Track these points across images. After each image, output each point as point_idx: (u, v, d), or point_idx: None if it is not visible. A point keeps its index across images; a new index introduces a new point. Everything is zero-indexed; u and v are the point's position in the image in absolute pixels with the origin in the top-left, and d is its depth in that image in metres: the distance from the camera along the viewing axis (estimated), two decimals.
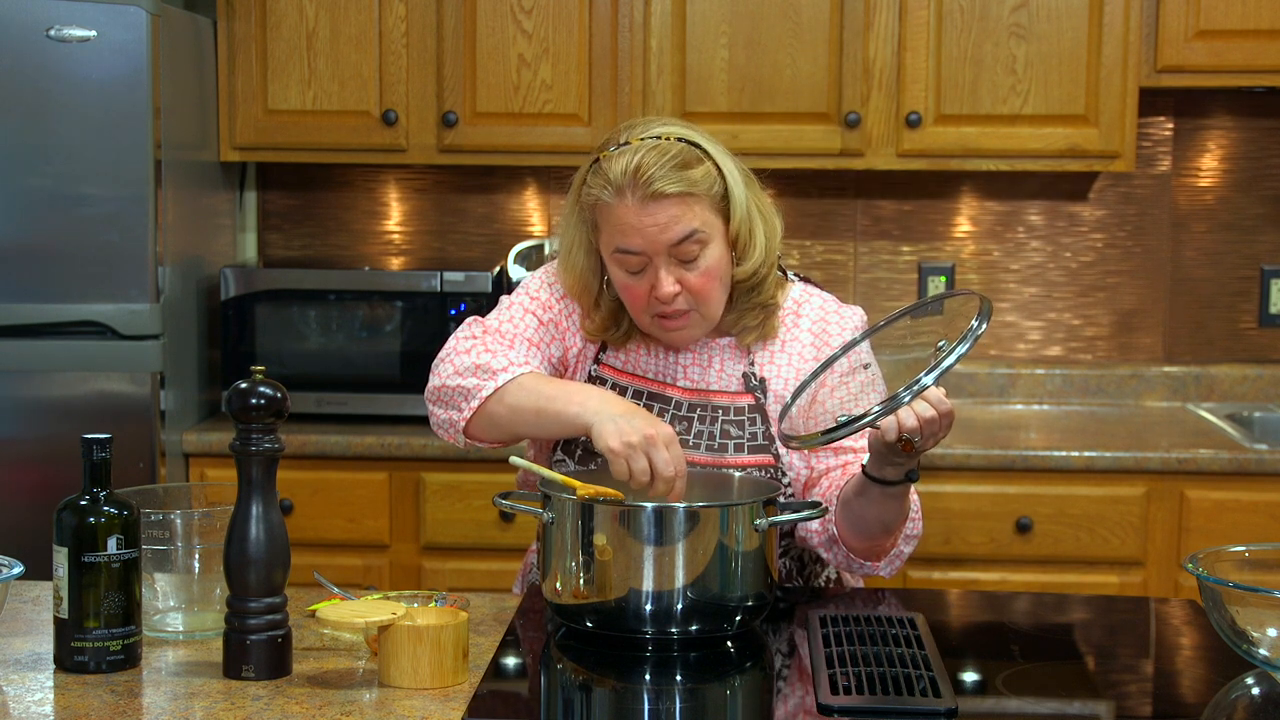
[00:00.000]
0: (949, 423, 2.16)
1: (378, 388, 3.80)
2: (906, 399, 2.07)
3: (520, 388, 2.29)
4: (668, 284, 2.31)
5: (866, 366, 2.32)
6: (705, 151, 2.33)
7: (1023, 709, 1.98)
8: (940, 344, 2.12)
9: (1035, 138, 3.79)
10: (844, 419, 2.11)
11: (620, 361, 2.45)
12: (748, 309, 2.42)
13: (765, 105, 3.80)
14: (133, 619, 2.01)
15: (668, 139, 2.31)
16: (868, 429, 2.13)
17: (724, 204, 2.34)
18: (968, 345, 2.07)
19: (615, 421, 2.18)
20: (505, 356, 2.33)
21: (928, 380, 2.07)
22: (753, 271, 2.39)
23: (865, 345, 2.34)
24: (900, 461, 2.20)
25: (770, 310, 2.43)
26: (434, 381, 2.38)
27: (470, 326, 2.41)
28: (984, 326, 2.09)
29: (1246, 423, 3.97)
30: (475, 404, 2.31)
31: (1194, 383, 4.16)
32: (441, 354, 2.39)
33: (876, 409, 2.08)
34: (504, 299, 2.47)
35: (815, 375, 2.31)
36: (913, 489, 2.32)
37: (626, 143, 2.32)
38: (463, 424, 2.33)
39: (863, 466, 2.27)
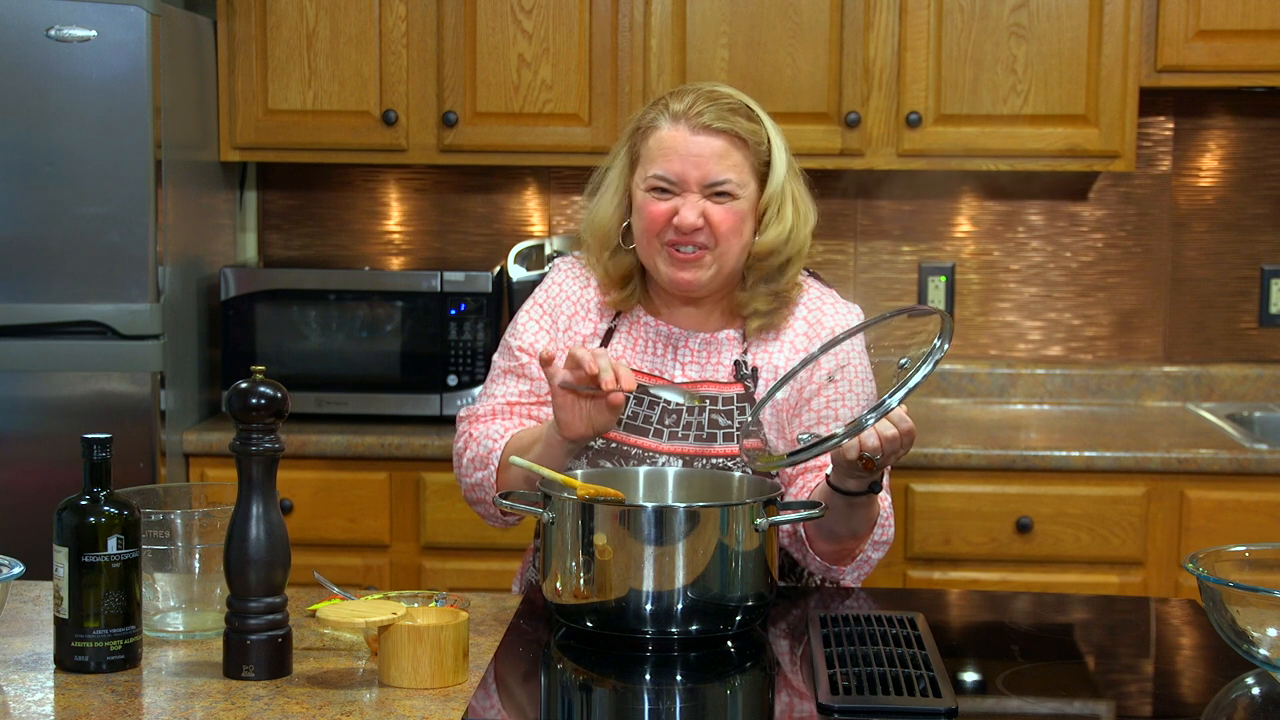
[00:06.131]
0: (910, 440, 2.20)
1: (378, 388, 3.80)
2: (871, 421, 2.12)
3: (510, 453, 2.41)
4: (692, 213, 2.37)
5: (832, 378, 2.37)
6: (762, 121, 2.45)
7: (1023, 709, 1.98)
8: (903, 361, 2.16)
9: (1035, 138, 3.79)
10: (805, 439, 2.18)
11: (615, 356, 2.47)
12: (763, 292, 2.45)
13: (765, 105, 3.68)
14: (133, 619, 2.01)
15: (730, 95, 2.45)
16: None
17: (764, 171, 2.43)
18: (930, 366, 2.12)
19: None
20: (489, 439, 2.46)
21: (892, 402, 2.12)
22: (771, 249, 2.42)
23: (841, 353, 2.41)
24: (862, 475, 2.23)
25: (783, 300, 2.47)
26: (461, 489, 2.54)
27: (460, 424, 2.56)
28: (946, 346, 2.14)
29: (1246, 423, 3.97)
30: (492, 493, 2.44)
31: (1194, 383, 4.16)
32: (454, 460, 2.54)
33: (840, 432, 2.14)
34: (494, 359, 2.58)
35: (771, 393, 2.38)
36: (884, 495, 2.34)
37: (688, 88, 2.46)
38: (497, 512, 2.47)
39: (826, 476, 2.29)
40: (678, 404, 2.39)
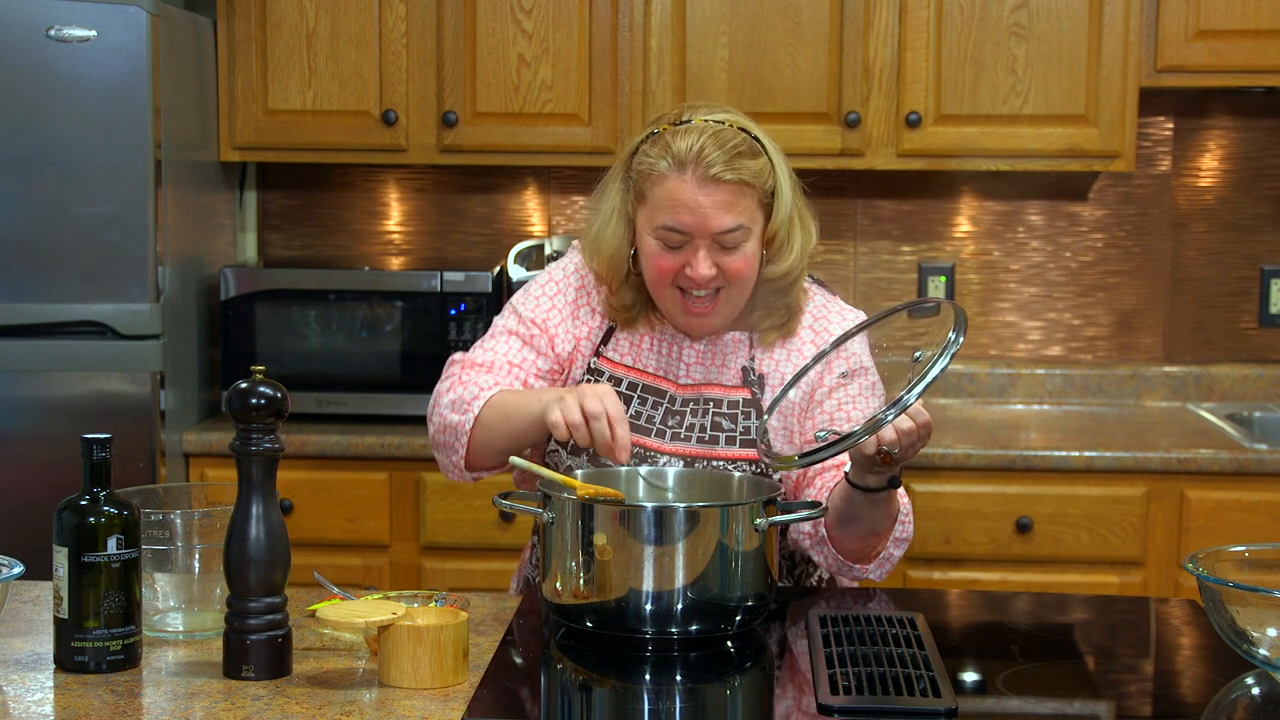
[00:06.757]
0: (927, 433, 2.19)
1: (378, 388, 3.80)
2: (890, 418, 2.11)
3: (492, 407, 2.35)
4: (704, 267, 2.34)
5: (844, 376, 2.37)
6: (763, 146, 2.37)
7: (1023, 709, 1.98)
8: (917, 355, 2.15)
9: (1035, 138, 3.79)
10: (822, 436, 2.17)
11: (619, 355, 2.47)
12: (775, 308, 2.44)
13: (765, 105, 3.79)
14: (133, 619, 2.01)
15: (731, 126, 2.35)
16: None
17: (770, 200, 2.38)
18: (947, 359, 2.11)
19: (562, 400, 2.23)
20: (477, 385, 2.39)
21: (910, 398, 2.10)
22: (785, 272, 2.42)
23: (852, 357, 2.40)
24: (881, 471, 2.22)
25: (794, 311, 2.46)
26: (430, 429, 2.45)
27: (450, 366, 2.47)
28: (961, 338, 2.13)
29: (1246, 423, 3.97)
30: (465, 439, 2.37)
31: (1194, 383, 4.16)
32: (431, 400, 2.45)
33: (859, 429, 2.12)
34: (496, 320, 2.51)
35: (784, 393, 2.37)
36: (902, 492, 2.33)
37: (689, 121, 2.35)
38: (461, 462, 2.40)
39: (845, 474, 2.28)
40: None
